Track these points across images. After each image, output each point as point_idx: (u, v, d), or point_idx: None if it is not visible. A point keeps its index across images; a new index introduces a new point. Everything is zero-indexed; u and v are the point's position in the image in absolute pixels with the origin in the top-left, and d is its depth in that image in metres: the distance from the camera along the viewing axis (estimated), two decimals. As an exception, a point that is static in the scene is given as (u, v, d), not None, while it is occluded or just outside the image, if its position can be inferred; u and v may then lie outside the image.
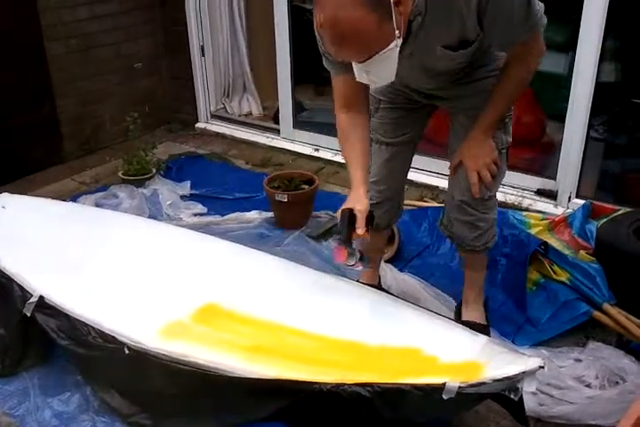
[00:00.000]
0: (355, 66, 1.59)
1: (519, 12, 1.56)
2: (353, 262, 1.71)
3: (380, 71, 1.58)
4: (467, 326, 1.85)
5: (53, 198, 2.85)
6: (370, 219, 1.75)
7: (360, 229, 1.71)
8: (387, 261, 2.63)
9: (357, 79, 1.63)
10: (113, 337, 1.76)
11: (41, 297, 1.90)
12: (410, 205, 2.83)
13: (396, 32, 1.48)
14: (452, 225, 2.05)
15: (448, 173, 2.02)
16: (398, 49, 1.52)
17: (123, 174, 3.32)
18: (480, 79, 1.84)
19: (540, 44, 1.71)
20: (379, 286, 2.34)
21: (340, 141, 1.93)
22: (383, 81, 1.65)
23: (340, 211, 1.76)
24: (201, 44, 4.01)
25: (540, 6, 1.61)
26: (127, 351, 1.73)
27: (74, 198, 3.15)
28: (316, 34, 1.59)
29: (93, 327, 1.81)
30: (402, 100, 1.98)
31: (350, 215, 1.72)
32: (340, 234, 1.74)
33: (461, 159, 1.93)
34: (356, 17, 1.41)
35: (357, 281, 2.30)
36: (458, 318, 2.18)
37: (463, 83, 1.85)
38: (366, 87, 1.82)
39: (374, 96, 2.00)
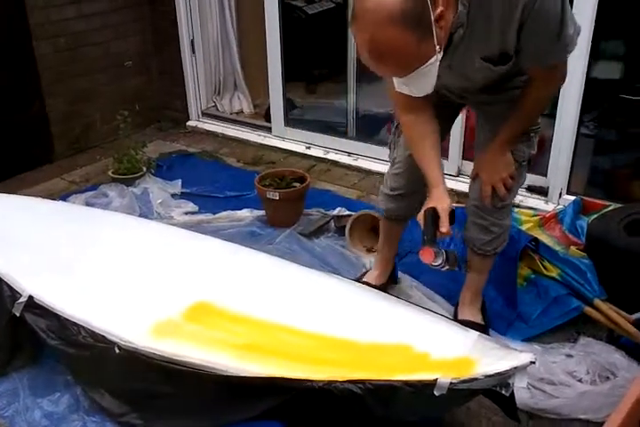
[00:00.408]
0: (394, 78, 1.59)
1: (553, 29, 1.53)
2: (440, 262, 1.70)
3: (419, 84, 1.57)
4: (464, 325, 1.83)
5: (43, 198, 2.84)
6: (451, 216, 1.75)
7: (444, 228, 1.72)
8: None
9: (397, 89, 1.62)
10: (103, 337, 1.76)
11: (30, 297, 1.89)
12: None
13: (437, 47, 1.45)
14: (468, 227, 2.07)
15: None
16: (438, 63, 1.50)
17: (113, 173, 3.31)
18: (513, 88, 1.82)
19: (563, 67, 1.70)
20: (382, 287, 2.31)
21: (408, 142, 1.94)
22: (422, 92, 1.63)
23: (422, 211, 1.77)
24: (191, 41, 4.00)
25: (575, 29, 1.58)
26: (118, 351, 1.72)
27: (64, 198, 3.13)
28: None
29: (83, 327, 1.80)
30: (435, 98, 1.98)
31: (433, 214, 1.73)
32: (425, 234, 1.72)
33: (478, 171, 1.94)
34: (394, 37, 1.38)
35: (358, 280, 2.33)
36: (455, 319, 2.17)
37: (497, 90, 1.83)
38: None
39: None
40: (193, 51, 4.02)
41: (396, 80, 1.59)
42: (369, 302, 1.89)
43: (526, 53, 1.60)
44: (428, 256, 1.69)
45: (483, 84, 1.78)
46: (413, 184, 2.09)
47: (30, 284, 1.94)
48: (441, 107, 1.99)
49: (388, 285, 2.39)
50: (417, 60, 1.46)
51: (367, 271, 2.45)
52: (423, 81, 1.55)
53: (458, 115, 2.11)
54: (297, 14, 4.17)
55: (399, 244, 2.39)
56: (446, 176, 3.10)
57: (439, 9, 1.41)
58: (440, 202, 1.76)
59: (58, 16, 3.52)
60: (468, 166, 3.15)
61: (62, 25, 3.56)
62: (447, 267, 1.72)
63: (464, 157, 3.15)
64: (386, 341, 1.69)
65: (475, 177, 1.98)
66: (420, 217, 1.77)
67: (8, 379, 2.00)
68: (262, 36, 3.71)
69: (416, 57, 1.45)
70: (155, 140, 3.98)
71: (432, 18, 1.39)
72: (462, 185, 3.09)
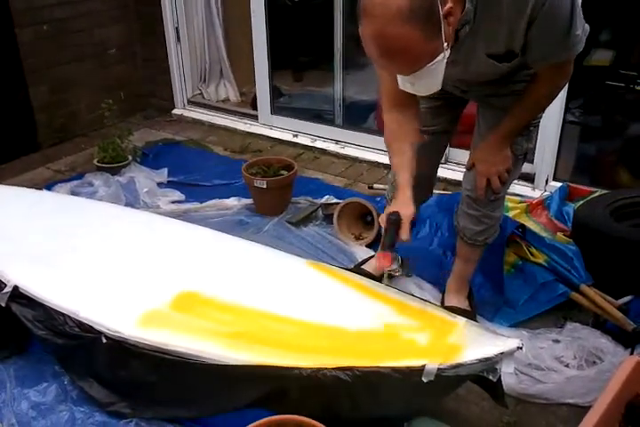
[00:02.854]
0: (399, 76, 1.57)
1: (561, 29, 1.52)
2: (395, 267, 1.68)
3: (425, 82, 1.54)
4: (451, 311, 1.83)
5: (28, 187, 2.80)
6: (413, 223, 1.74)
7: (405, 235, 1.70)
8: (367, 246, 2.63)
9: (400, 88, 1.60)
10: (90, 326, 1.74)
11: (15, 287, 1.87)
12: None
13: (445, 44, 1.43)
14: (459, 216, 2.07)
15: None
16: (445, 60, 1.48)
17: (98, 162, 3.28)
18: (518, 82, 1.81)
19: (570, 65, 1.69)
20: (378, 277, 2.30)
21: (386, 142, 1.89)
22: (428, 91, 1.61)
23: (385, 214, 1.73)
24: (176, 28, 3.95)
25: (584, 30, 1.57)
26: (105, 340, 1.71)
27: (49, 187, 3.10)
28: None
29: (70, 317, 1.78)
30: (437, 91, 1.96)
31: (396, 219, 1.70)
32: (385, 239, 1.70)
33: (474, 162, 1.93)
34: (404, 34, 1.36)
35: (356, 266, 2.35)
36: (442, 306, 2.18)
37: (501, 84, 1.83)
38: None
39: None
40: (178, 38, 3.98)
41: (400, 78, 1.57)
42: (357, 289, 1.89)
43: (533, 52, 1.59)
44: (385, 261, 1.68)
45: (487, 79, 1.78)
46: (419, 177, 2.08)
47: (15, 274, 1.92)
48: (444, 100, 2.00)
49: None
50: (425, 56, 1.44)
51: (368, 258, 2.45)
52: (429, 79, 1.52)
53: (462, 109, 2.09)
54: (283, 1, 4.13)
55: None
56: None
57: (448, 5, 1.39)
58: (404, 208, 1.73)
59: (40, 2, 3.46)
60: (456, 154, 3.16)
61: (45, 11, 3.50)
62: (400, 272, 1.72)
63: (451, 145, 3.14)
64: (373, 327, 1.70)
65: (470, 167, 1.97)
66: (382, 220, 1.74)
67: (-6, 370, 1.98)
68: (248, 24, 3.68)
69: (424, 53, 1.43)
70: (140, 129, 3.95)
71: (441, 14, 1.38)
72: (449, 172, 3.10)
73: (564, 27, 1.52)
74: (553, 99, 1.82)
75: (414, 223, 1.76)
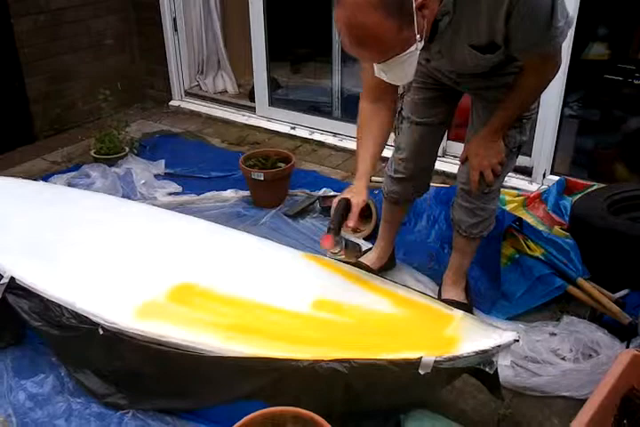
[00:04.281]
0: (375, 64, 1.58)
1: (542, 19, 1.52)
2: (337, 251, 1.72)
3: (397, 72, 1.56)
4: (448, 304, 1.84)
5: (24, 178, 2.79)
6: (364, 211, 1.75)
7: (351, 222, 1.71)
8: (365, 239, 2.63)
9: (376, 75, 1.61)
10: (87, 318, 1.74)
11: (12, 278, 1.86)
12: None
13: (417, 36, 1.44)
14: (455, 208, 2.08)
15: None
16: (418, 52, 1.49)
17: (95, 153, 3.26)
18: (508, 74, 1.80)
19: (556, 57, 1.69)
20: (379, 270, 2.32)
21: (357, 130, 1.91)
22: (401, 81, 1.63)
23: (337, 199, 1.75)
24: (173, 18, 3.93)
25: (567, 21, 1.56)
26: (102, 332, 1.71)
27: (45, 178, 3.10)
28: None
29: (67, 308, 1.78)
30: (432, 82, 1.97)
31: (346, 205, 1.72)
32: (332, 222, 1.72)
33: (467, 155, 1.93)
34: (374, 22, 1.37)
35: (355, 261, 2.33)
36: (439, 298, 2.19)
37: (491, 76, 1.82)
38: None
39: None
40: (175, 29, 3.96)
41: (376, 67, 1.58)
42: (353, 281, 1.89)
43: (514, 43, 1.59)
44: (327, 243, 1.70)
45: (475, 70, 1.78)
46: (417, 170, 2.12)
47: (12, 265, 1.92)
48: (439, 91, 1.99)
49: (386, 268, 2.39)
50: (396, 46, 1.46)
51: (365, 251, 2.45)
52: (401, 70, 1.54)
53: (458, 100, 2.08)
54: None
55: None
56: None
57: None
58: (356, 196, 1.75)
59: (37, -8, 3.44)
60: (453, 147, 3.16)
61: (42, 1, 3.49)
62: (343, 256, 1.76)
63: (449, 138, 3.14)
64: (370, 320, 1.70)
65: (464, 161, 1.97)
66: (334, 204, 1.76)
67: (-9, 360, 1.98)
68: (246, 15, 3.66)
69: (395, 43, 1.44)
70: (137, 120, 3.94)
71: (414, 5, 1.39)
72: (447, 165, 3.09)
73: (545, 18, 1.51)
74: (542, 90, 1.81)
75: (370, 210, 1.80)
